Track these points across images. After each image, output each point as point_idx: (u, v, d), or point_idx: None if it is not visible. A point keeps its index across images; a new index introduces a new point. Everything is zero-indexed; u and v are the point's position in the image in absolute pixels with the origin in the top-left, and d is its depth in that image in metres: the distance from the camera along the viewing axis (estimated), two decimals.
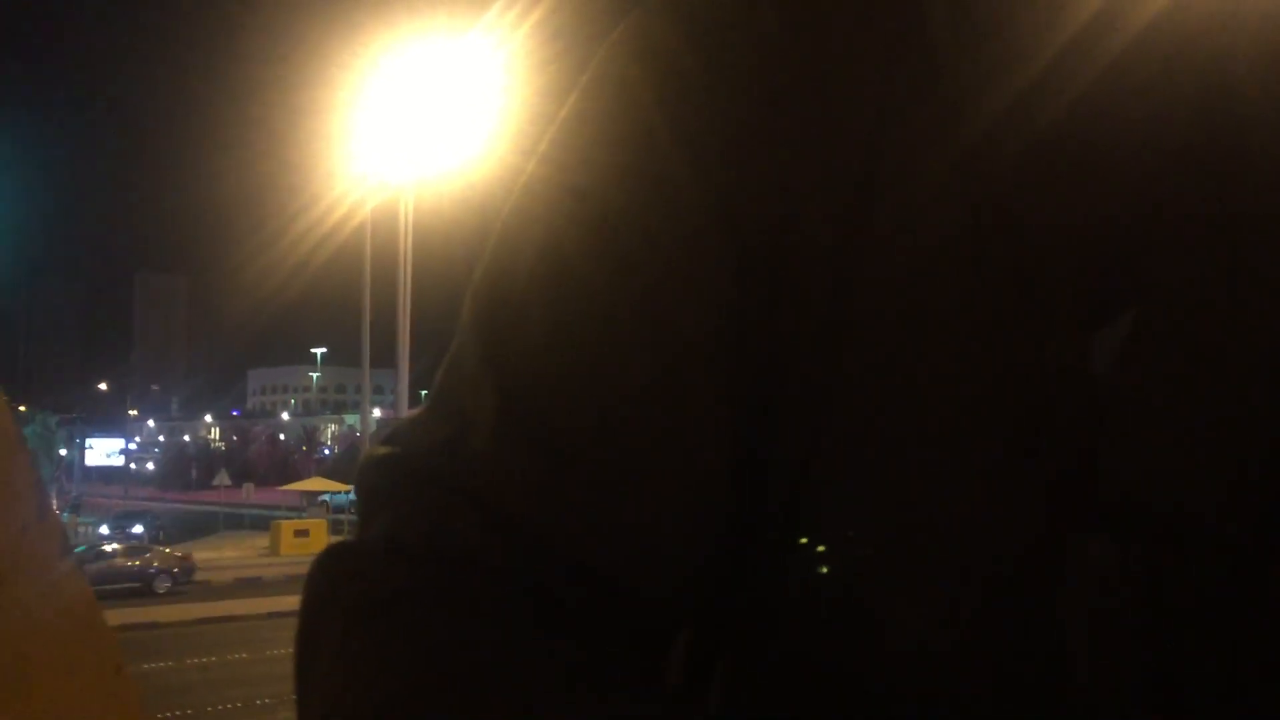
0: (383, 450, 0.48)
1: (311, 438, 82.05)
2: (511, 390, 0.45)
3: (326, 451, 76.66)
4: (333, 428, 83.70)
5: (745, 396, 0.45)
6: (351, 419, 75.60)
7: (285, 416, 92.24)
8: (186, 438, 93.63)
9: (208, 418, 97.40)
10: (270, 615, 18.45)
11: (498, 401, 0.45)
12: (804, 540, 0.44)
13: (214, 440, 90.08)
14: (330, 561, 0.46)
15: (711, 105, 0.47)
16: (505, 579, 0.43)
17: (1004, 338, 0.43)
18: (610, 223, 0.46)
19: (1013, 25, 0.45)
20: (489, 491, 0.44)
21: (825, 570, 0.44)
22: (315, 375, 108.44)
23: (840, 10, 0.48)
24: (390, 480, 0.47)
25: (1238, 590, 0.40)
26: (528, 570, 0.43)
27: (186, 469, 76.37)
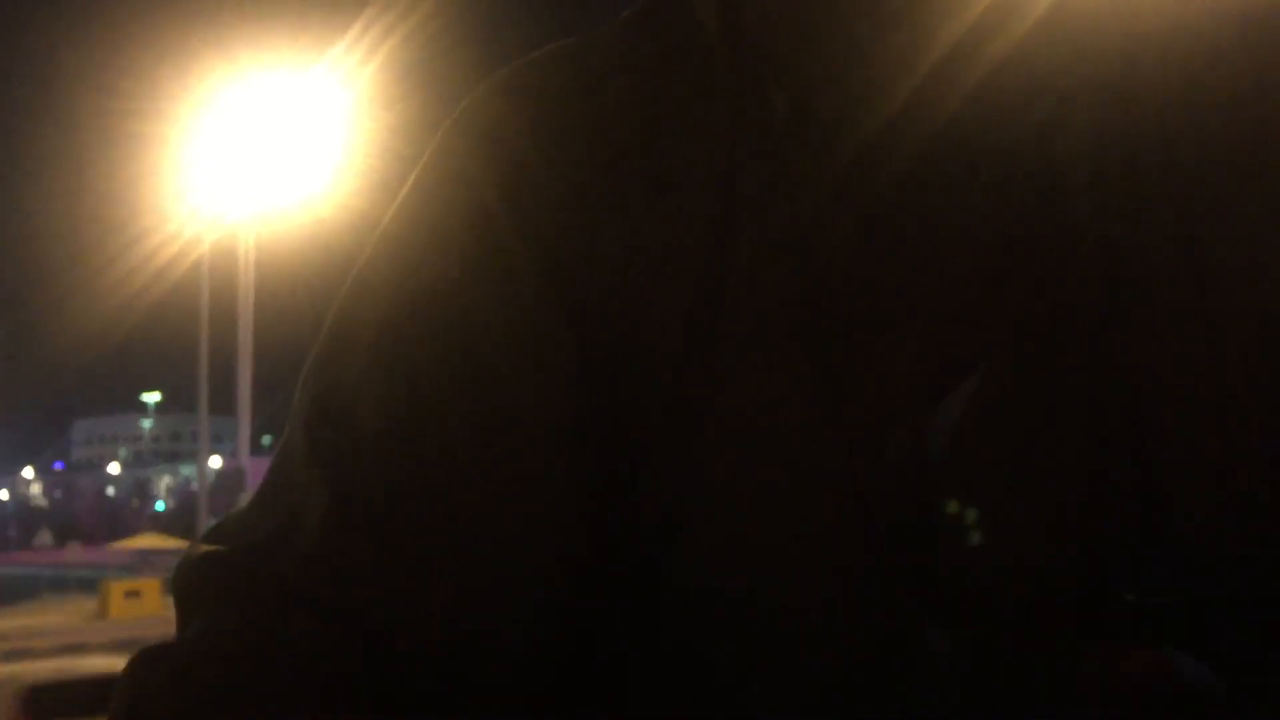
0: (203, 549, 0.46)
1: (144, 491, 77.83)
2: (341, 481, 0.44)
3: (161, 505, 72.85)
4: (167, 479, 79.65)
5: (592, 479, 0.44)
6: (188, 470, 72.10)
7: (115, 469, 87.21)
8: (4, 493, 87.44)
9: (27, 472, 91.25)
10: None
11: (327, 495, 0.44)
12: (661, 619, 0.43)
13: (35, 496, 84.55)
14: (143, 668, 0.43)
15: (552, 192, 0.46)
16: (337, 683, 0.41)
17: (844, 424, 0.42)
18: (447, 315, 0.45)
19: (847, 100, 0.45)
20: (318, 589, 0.42)
21: (680, 647, 0.43)
22: (147, 423, 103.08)
23: (681, 87, 0.48)
24: (210, 580, 0.44)
25: (1064, 675, 0.40)
26: (360, 670, 0.41)
27: (4, 528, 71.33)
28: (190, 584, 0.45)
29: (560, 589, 0.44)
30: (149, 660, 0.43)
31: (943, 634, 0.41)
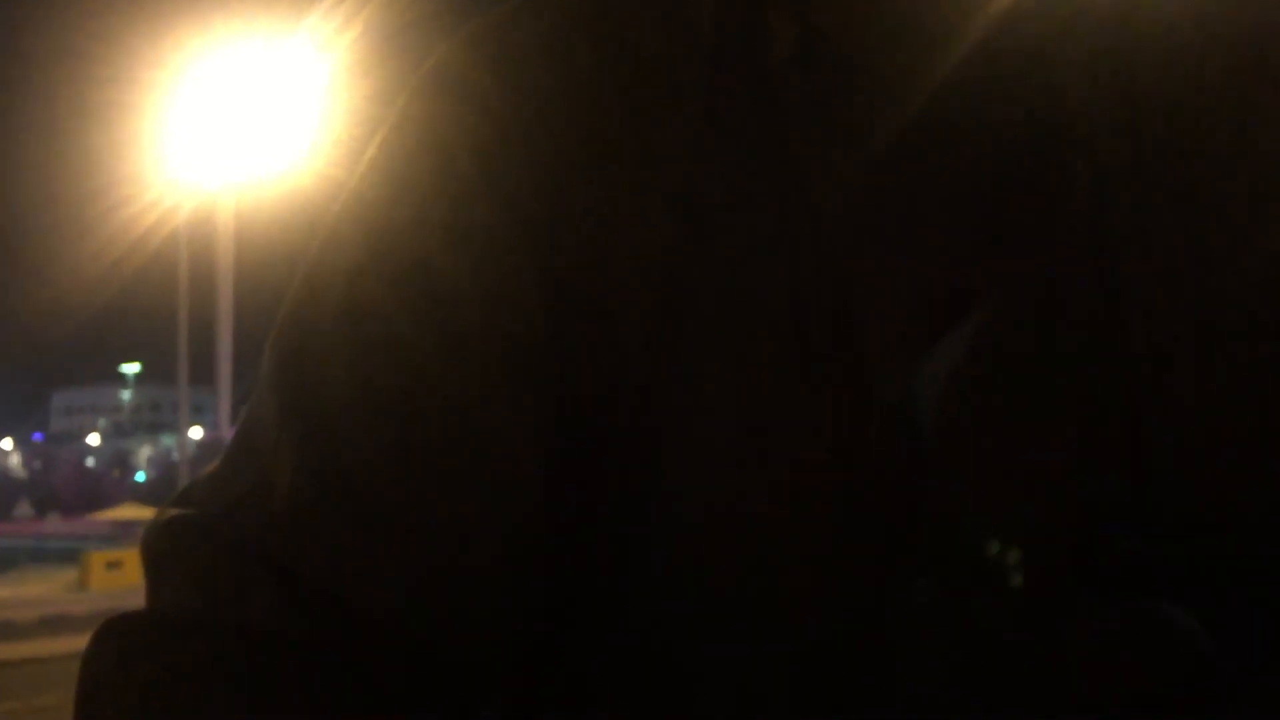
0: (172, 512, 0.45)
1: (124, 462, 77.57)
2: (311, 445, 0.42)
3: (141, 477, 72.63)
4: (148, 450, 79.38)
5: (564, 448, 0.43)
6: (169, 440, 71.79)
7: (95, 440, 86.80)
8: None
9: (5, 443, 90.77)
10: (80, 655, 17.00)
11: (297, 457, 0.42)
12: (630, 602, 0.43)
13: (14, 468, 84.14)
14: (114, 636, 0.42)
15: (523, 147, 0.45)
16: (306, 653, 0.40)
17: (826, 385, 0.42)
18: (418, 273, 0.44)
19: (869, 34, 0.44)
20: (287, 555, 0.41)
21: (652, 631, 0.42)
22: (126, 394, 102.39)
23: (658, 28, 0.46)
24: (180, 545, 0.44)
25: (1043, 625, 0.40)
26: (331, 641, 0.40)
27: None
28: (160, 549, 0.44)
29: (535, 566, 0.43)
30: (120, 629, 0.42)
31: (931, 588, 0.40)
